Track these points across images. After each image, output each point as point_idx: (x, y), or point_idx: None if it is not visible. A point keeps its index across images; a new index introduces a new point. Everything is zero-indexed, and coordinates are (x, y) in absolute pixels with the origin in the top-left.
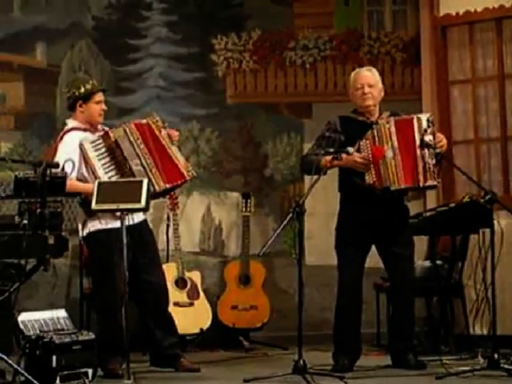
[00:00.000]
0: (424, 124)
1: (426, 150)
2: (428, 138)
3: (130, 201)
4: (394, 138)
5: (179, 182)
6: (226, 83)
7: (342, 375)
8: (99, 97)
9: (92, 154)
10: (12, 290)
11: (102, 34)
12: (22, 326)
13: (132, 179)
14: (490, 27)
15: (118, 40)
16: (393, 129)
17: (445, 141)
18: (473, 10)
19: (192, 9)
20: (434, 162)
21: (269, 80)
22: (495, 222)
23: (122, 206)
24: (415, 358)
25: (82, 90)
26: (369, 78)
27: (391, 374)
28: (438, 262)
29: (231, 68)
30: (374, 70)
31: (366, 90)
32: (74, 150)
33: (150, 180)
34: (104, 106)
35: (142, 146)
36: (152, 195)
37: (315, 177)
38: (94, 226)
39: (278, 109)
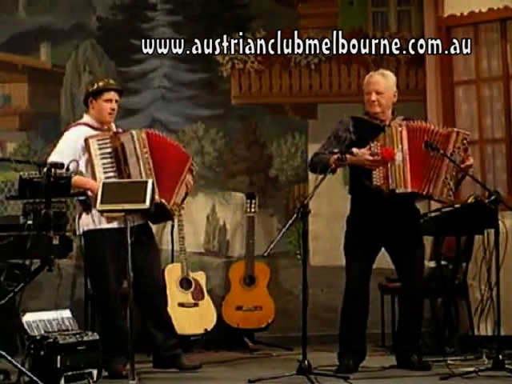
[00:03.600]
0: (459, 141)
1: (450, 164)
2: (459, 156)
3: (135, 201)
4: (405, 141)
5: (165, 203)
6: (231, 84)
7: (346, 376)
8: (109, 95)
9: (96, 152)
10: (17, 290)
11: (107, 35)
12: (26, 327)
13: (137, 179)
14: (494, 28)
15: (122, 40)
16: (404, 133)
17: (473, 166)
18: (477, 11)
19: (196, 9)
20: (453, 178)
21: (273, 80)
22: (500, 222)
23: (127, 206)
24: (420, 359)
25: (95, 86)
26: (378, 84)
27: (396, 374)
28: (443, 262)
29: (236, 68)
30: (388, 74)
31: (373, 97)
32: (74, 148)
33: None
34: (115, 106)
35: (146, 155)
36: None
37: (320, 177)
38: (88, 225)
39: (282, 109)
